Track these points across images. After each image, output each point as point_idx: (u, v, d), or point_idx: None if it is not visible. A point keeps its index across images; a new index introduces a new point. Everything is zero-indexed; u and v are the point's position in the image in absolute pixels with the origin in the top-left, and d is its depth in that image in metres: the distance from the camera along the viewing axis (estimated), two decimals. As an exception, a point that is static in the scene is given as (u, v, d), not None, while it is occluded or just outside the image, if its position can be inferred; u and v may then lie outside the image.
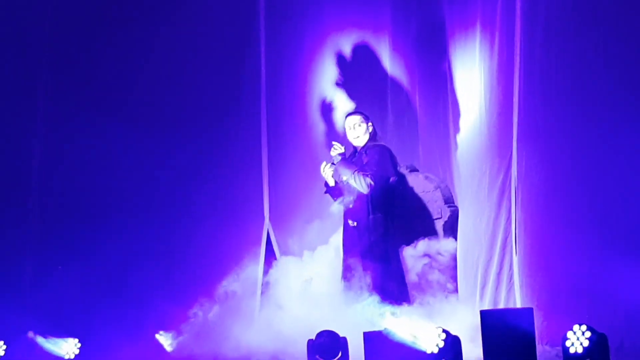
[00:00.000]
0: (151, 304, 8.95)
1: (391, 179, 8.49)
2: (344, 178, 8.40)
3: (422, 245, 8.43)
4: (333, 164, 8.52)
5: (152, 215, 9.30)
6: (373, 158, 8.41)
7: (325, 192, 8.70)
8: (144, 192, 9.36)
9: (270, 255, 9.14)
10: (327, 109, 9.31)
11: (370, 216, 8.34)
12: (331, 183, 8.58)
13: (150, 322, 8.66)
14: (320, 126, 9.37)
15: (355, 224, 8.40)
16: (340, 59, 9.42)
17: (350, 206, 8.44)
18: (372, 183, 8.30)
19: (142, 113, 9.43)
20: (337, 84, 9.34)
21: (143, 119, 9.40)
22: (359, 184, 8.30)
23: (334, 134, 9.21)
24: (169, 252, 9.26)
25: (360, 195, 8.39)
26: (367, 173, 8.33)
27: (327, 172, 8.54)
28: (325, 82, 9.40)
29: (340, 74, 9.40)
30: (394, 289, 8.18)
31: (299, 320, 8.07)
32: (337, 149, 8.50)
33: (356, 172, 8.33)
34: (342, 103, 9.20)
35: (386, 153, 8.50)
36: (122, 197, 9.37)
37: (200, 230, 9.27)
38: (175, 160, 9.34)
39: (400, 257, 8.37)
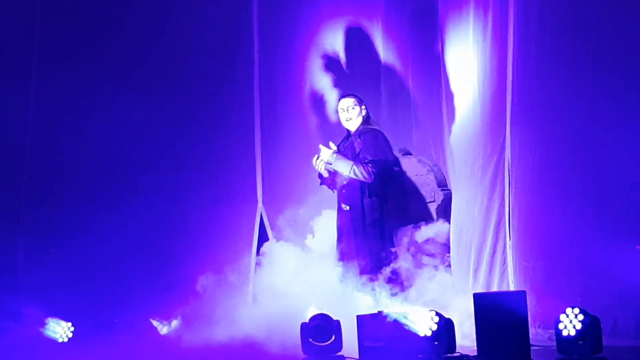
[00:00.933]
0: (144, 287, 8.97)
1: (396, 169, 8.55)
2: (345, 174, 8.33)
3: (416, 228, 8.46)
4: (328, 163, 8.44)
5: (145, 198, 9.25)
6: (369, 143, 8.37)
7: (321, 184, 8.64)
8: (137, 174, 9.34)
9: (263, 239, 9.14)
10: (320, 92, 9.29)
11: (366, 200, 8.32)
12: (325, 174, 8.51)
13: (143, 306, 8.69)
14: (314, 109, 9.36)
15: (348, 207, 8.39)
16: (334, 44, 9.40)
17: (344, 192, 8.42)
18: (374, 170, 8.27)
19: (135, 97, 9.40)
20: (331, 68, 9.34)
21: (136, 103, 9.37)
22: (360, 174, 8.25)
23: (327, 117, 9.23)
24: (161, 234, 9.26)
25: (351, 179, 8.38)
26: (367, 161, 8.29)
27: (319, 165, 8.44)
28: (319, 65, 9.37)
29: (333, 57, 9.38)
30: (388, 272, 8.15)
31: (292, 304, 8.07)
32: (325, 152, 8.36)
33: (354, 165, 8.27)
34: (335, 86, 9.21)
35: (380, 137, 8.46)
36: (114, 179, 9.36)
37: (192, 214, 9.28)
38: (169, 141, 9.35)
39: (394, 241, 8.39)
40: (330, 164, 8.36)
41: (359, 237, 8.31)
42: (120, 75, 9.37)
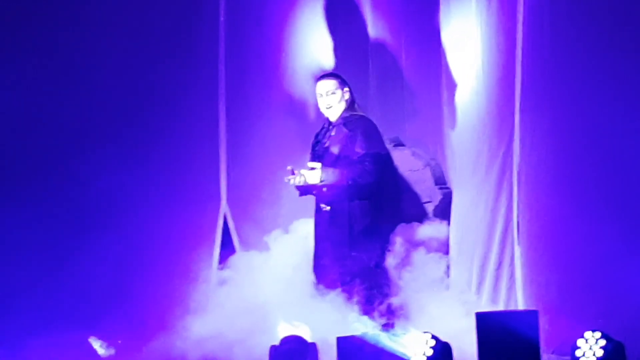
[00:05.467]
0: (82, 300, 8.76)
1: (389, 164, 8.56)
2: (342, 184, 8.23)
3: (411, 234, 8.44)
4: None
5: (83, 192, 8.95)
6: (359, 134, 8.27)
7: (301, 195, 8.51)
8: (74, 166, 8.97)
9: (227, 245, 9.09)
10: (297, 71, 9.27)
11: (355, 202, 8.24)
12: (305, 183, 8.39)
13: (82, 325, 8.50)
14: (290, 90, 9.27)
15: (328, 208, 8.30)
16: (314, 14, 9.35)
17: (325, 190, 8.30)
18: (375, 167, 8.19)
19: (80, 75, 9.08)
20: (310, 43, 9.30)
21: (81, 81, 9.07)
22: (360, 178, 8.13)
23: (306, 101, 9.17)
24: (102, 238, 8.91)
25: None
26: (360, 158, 8.18)
27: (299, 180, 8.23)
28: (295, 42, 9.34)
29: (313, 31, 9.34)
30: (376, 286, 8.18)
31: (259, 322, 8.06)
32: (312, 176, 8.17)
33: (350, 177, 8.13)
34: (314, 65, 9.21)
35: (371, 126, 8.39)
36: (48, 172, 8.99)
37: (143, 215, 9.05)
38: (114, 125, 9.05)
39: (385, 249, 8.32)
40: (323, 180, 8.24)
41: (342, 245, 8.24)
42: (52, 52, 9.06)
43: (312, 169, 8.23)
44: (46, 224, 8.79)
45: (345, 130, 8.31)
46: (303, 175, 8.20)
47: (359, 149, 8.22)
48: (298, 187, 8.40)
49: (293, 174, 8.26)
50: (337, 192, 8.25)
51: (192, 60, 9.28)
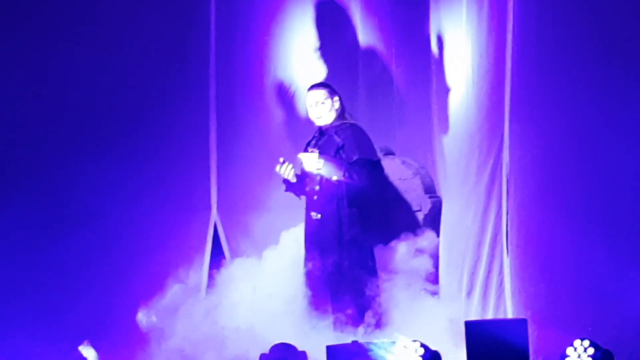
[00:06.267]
0: (71, 308, 8.68)
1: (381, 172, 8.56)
2: (334, 179, 8.20)
3: (399, 243, 8.44)
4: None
5: (74, 200, 8.88)
6: (351, 141, 8.26)
7: (286, 191, 8.53)
8: (62, 172, 8.92)
9: (217, 254, 9.03)
10: (286, 80, 9.25)
11: (344, 210, 8.22)
12: (294, 180, 8.37)
13: (72, 332, 8.43)
14: (278, 100, 9.27)
15: (319, 216, 8.28)
16: (303, 22, 9.35)
17: (315, 198, 8.31)
18: (367, 173, 8.20)
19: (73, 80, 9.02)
20: (299, 52, 9.28)
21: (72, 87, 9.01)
22: (358, 179, 8.14)
23: (295, 109, 9.20)
24: (94, 245, 8.89)
25: (325, 183, 8.25)
26: (355, 163, 8.19)
27: (288, 172, 8.27)
28: (285, 49, 9.31)
29: (302, 39, 9.33)
30: (365, 294, 8.14)
31: (251, 331, 8.03)
32: (309, 161, 8.16)
33: (348, 169, 8.13)
34: (304, 74, 9.18)
35: (362, 134, 8.38)
36: (39, 176, 8.91)
37: (133, 222, 8.99)
38: (107, 133, 8.99)
39: (375, 258, 8.33)
40: (319, 169, 8.22)
41: (332, 254, 8.21)
42: (41, 57, 8.94)
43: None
44: (31, 231, 8.70)
45: (336, 138, 8.30)
46: (301, 159, 8.21)
47: (354, 156, 8.21)
48: (285, 182, 8.41)
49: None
50: (327, 200, 8.24)
51: (182, 69, 9.22)
